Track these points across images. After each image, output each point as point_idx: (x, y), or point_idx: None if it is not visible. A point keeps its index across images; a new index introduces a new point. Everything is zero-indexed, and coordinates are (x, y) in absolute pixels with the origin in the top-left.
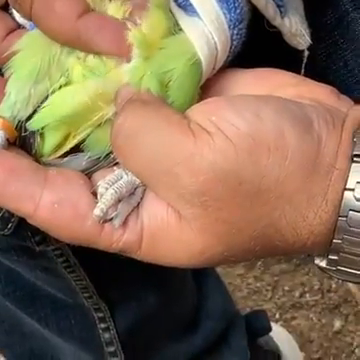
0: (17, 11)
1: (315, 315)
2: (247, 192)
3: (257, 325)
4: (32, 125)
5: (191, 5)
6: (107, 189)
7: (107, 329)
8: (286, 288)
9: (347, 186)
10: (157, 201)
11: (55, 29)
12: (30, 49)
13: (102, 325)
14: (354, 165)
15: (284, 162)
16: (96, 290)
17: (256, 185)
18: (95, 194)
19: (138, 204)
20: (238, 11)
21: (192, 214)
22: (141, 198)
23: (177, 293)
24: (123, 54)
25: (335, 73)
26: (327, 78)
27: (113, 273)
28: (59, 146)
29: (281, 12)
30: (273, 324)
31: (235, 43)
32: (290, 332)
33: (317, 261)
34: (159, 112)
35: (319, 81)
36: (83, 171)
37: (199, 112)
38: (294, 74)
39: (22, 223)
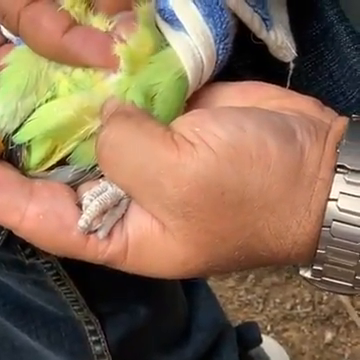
0: (4, 26)
1: (306, 327)
2: (230, 202)
3: (248, 337)
4: (18, 138)
5: (177, 20)
6: (92, 201)
7: (98, 342)
8: (277, 300)
9: (330, 196)
10: (141, 212)
11: (42, 44)
12: (17, 63)
13: (93, 338)
14: (337, 175)
15: (267, 172)
16: (87, 303)
17: (239, 195)
18: (80, 206)
19: (123, 216)
20: (224, 26)
21: (175, 225)
22: (126, 210)
23: (168, 305)
24: (110, 66)
25: (321, 84)
26: (313, 89)
27: (103, 286)
28: (45, 159)
29: (267, 25)
30: (264, 336)
31: (221, 58)
32: (281, 344)
33: (302, 272)
34: (143, 124)
35: (305, 93)
36: (69, 183)
37: (183, 124)
38: (278, 87)
39: (12, 236)
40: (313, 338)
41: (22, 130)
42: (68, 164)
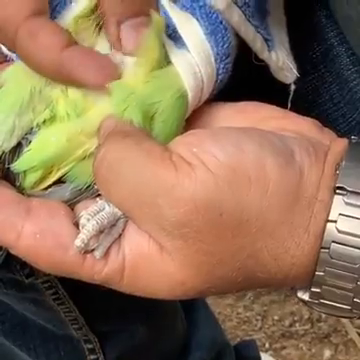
0: (1, 43)
1: (305, 345)
2: (228, 223)
3: (247, 355)
4: (16, 167)
5: (180, 37)
6: (89, 220)
7: None
8: (276, 317)
9: (329, 218)
10: (139, 232)
11: (38, 61)
12: (14, 81)
13: (92, 356)
14: (336, 197)
15: (265, 194)
16: (86, 322)
17: (237, 216)
18: (77, 225)
19: (120, 235)
20: (226, 45)
21: (173, 246)
22: (123, 229)
23: (167, 324)
24: (103, 89)
25: (321, 107)
26: (313, 112)
27: (102, 305)
28: (41, 180)
29: (268, 46)
30: (263, 354)
31: (220, 77)
32: None
33: (300, 294)
34: (141, 144)
35: (305, 115)
36: (66, 202)
37: (181, 144)
38: (277, 107)
39: (10, 256)
40: (311, 356)
41: (19, 160)
42: (65, 182)
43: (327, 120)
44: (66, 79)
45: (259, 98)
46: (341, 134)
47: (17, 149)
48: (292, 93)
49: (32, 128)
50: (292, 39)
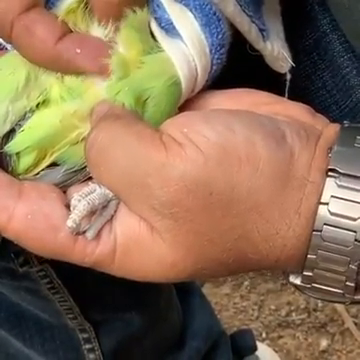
0: None
1: (301, 334)
2: (218, 202)
3: (243, 344)
4: (10, 148)
5: (174, 28)
6: (80, 201)
7: (92, 350)
8: (272, 307)
9: (322, 200)
10: (130, 214)
11: (36, 52)
12: (9, 67)
13: (87, 346)
14: (328, 179)
15: (255, 173)
16: (81, 311)
17: (227, 195)
18: (69, 207)
19: (111, 217)
20: (220, 36)
21: (163, 226)
22: (114, 211)
23: (162, 314)
24: (103, 72)
25: (314, 94)
26: (306, 99)
27: (97, 294)
28: (35, 164)
29: (263, 36)
30: (259, 343)
31: (215, 67)
32: (276, 351)
33: (292, 278)
34: (132, 126)
35: (299, 100)
36: (58, 184)
37: (171, 125)
38: (269, 93)
39: (5, 245)
40: (308, 345)
41: (13, 141)
42: (57, 165)
43: (320, 107)
44: (65, 68)
45: (253, 86)
46: (334, 121)
47: (10, 135)
48: (288, 83)
49: (25, 114)
50: (285, 27)
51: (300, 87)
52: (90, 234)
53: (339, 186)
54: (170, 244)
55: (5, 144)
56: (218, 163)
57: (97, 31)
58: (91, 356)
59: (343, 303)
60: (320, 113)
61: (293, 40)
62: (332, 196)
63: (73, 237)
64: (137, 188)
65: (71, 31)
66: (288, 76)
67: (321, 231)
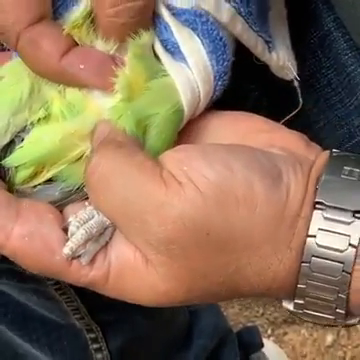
0: (2, 41)
1: (307, 330)
2: (214, 242)
3: (249, 341)
4: (8, 162)
5: (180, 52)
6: (78, 228)
7: (99, 349)
8: (277, 304)
9: (309, 233)
10: (125, 243)
11: (40, 66)
12: (13, 76)
13: (94, 346)
14: (316, 212)
15: (252, 214)
16: (88, 311)
17: (224, 235)
18: (65, 230)
19: (106, 243)
20: (225, 63)
21: (158, 259)
22: (110, 238)
23: (169, 313)
24: (107, 88)
25: (319, 92)
26: (311, 97)
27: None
28: (33, 177)
29: (269, 47)
30: (265, 340)
31: (217, 93)
32: (282, 347)
33: (284, 304)
34: (133, 157)
35: (303, 100)
36: (55, 202)
37: (171, 160)
38: (267, 120)
39: None
40: (314, 341)
41: (12, 155)
42: (54, 181)
43: (325, 105)
44: (68, 82)
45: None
46: (339, 119)
47: (9, 146)
48: (299, 90)
49: (26, 126)
50: (289, 25)
51: (305, 85)
52: (85, 259)
53: (325, 218)
54: (164, 276)
55: (4, 154)
56: (216, 204)
57: (101, 46)
58: (98, 356)
59: (335, 326)
60: (325, 111)
61: (297, 38)
62: (319, 229)
63: (68, 260)
64: (135, 222)
65: (76, 44)
66: (296, 83)
67: (310, 262)
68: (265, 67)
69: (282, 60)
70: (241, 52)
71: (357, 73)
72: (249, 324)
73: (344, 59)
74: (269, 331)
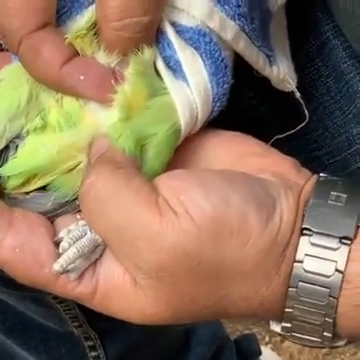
0: (5, 45)
1: None
2: (205, 271)
3: (247, 349)
4: (2, 172)
5: (182, 70)
6: (70, 245)
7: (98, 357)
8: None
9: (297, 258)
10: (115, 262)
11: (40, 73)
12: (12, 80)
13: (93, 353)
14: (303, 238)
15: (245, 246)
16: (86, 319)
17: (215, 266)
18: (56, 243)
19: (96, 260)
20: (225, 86)
21: (147, 284)
22: (100, 255)
23: None
24: (105, 101)
25: (318, 100)
26: (310, 105)
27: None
28: (24, 184)
29: (270, 61)
30: (263, 347)
31: (214, 114)
32: (280, 355)
33: (273, 326)
34: (130, 181)
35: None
36: (47, 213)
37: (168, 188)
38: (261, 143)
39: None
40: (311, 349)
41: (6, 165)
42: (47, 190)
43: (324, 113)
44: (67, 92)
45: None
46: (339, 127)
47: (3, 152)
48: (302, 102)
49: (21, 133)
50: (288, 34)
51: (304, 93)
52: (73, 275)
53: (312, 244)
54: (152, 299)
55: None
56: (210, 235)
57: (103, 59)
58: None
59: (324, 348)
60: (324, 119)
61: (296, 47)
62: (306, 254)
63: (56, 274)
64: (127, 246)
65: (78, 53)
66: (297, 94)
67: (297, 287)
68: (265, 78)
69: (282, 73)
70: (242, 62)
71: (356, 81)
72: (247, 331)
73: (343, 67)
74: (267, 338)
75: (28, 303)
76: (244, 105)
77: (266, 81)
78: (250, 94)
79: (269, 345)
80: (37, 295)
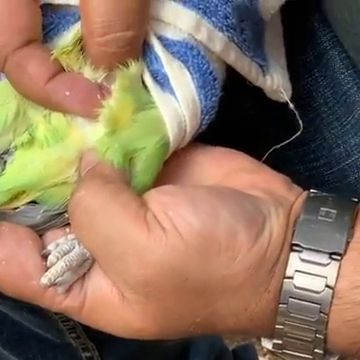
0: None
1: None
2: (192, 287)
3: (245, 359)
4: None
5: (169, 84)
6: (58, 259)
7: None
8: None
9: (286, 274)
10: (103, 276)
11: (26, 90)
12: (0, 97)
13: None
14: (292, 254)
15: (233, 262)
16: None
17: (202, 282)
18: (44, 256)
19: (84, 274)
20: (213, 98)
21: (134, 299)
22: (88, 269)
23: None
24: (91, 116)
25: (315, 111)
26: (307, 116)
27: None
28: (13, 200)
29: (263, 71)
30: (261, 358)
31: (203, 127)
32: None
33: (264, 343)
34: (119, 196)
35: (300, 119)
36: (36, 226)
37: (157, 203)
38: (251, 159)
39: None
40: None
41: None
42: (36, 203)
43: (322, 124)
44: (53, 108)
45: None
46: (337, 137)
47: None
48: (296, 112)
49: (9, 149)
50: (286, 44)
51: (301, 104)
52: (61, 289)
53: (302, 260)
54: (139, 314)
55: None
56: (197, 252)
57: (89, 74)
58: None
59: None
60: (322, 130)
61: (294, 57)
62: (296, 270)
63: (43, 287)
64: (114, 261)
65: (64, 70)
66: (291, 105)
67: (287, 304)
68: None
69: (276, 84)
70: (237, 73)
71: (354, 91)
72: (245, 342)
73: (341, 77)
74: (265, 349)
75: (25, 314)
76: (241, 116)
77: (263, 91)
78: (247, 104)
79: (267, 356)
80: (34, 306)
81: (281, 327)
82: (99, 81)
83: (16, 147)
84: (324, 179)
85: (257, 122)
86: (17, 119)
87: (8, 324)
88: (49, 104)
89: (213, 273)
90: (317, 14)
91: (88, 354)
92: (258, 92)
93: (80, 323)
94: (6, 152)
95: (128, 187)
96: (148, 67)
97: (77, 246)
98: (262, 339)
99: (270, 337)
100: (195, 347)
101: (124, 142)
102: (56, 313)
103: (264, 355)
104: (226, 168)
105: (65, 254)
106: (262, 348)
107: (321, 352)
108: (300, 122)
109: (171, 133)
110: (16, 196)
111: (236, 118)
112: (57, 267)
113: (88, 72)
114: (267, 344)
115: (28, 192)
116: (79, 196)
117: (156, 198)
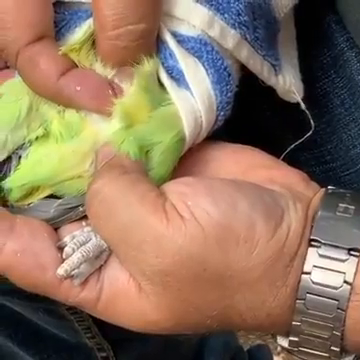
0: (5, 59)
1: None
2: (210, 278)
3: (260, 359)
4: (6, 184)
5: (185, 79)
6: (74, 250)
7: None
8: None
9: (304, 270)
10: (120, 268)
11: (38, 85)
12: (13, 94)
13: None
14: (311, 249)
15: (251, 254)
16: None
17: (220, 273)
18: (60, 248)
19: (100, 266)
20: (229, 94)
21: (152, 290)
22: (105, 261)
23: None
24: (103, 112)
25: (332, 112)
26: (324, 117)
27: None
28: (27, 195)
29: (275, 70)
30: (276, 358)
31: (219, 123)
32: None
33: (279, 341)
34: (137, 186)
35: (317, 120)
36: (50, 220)
37: (176, 193)
38: (269, 156)
39: None
40: None
41: (10, 178)
42: (51, 197)
43: (338, 125)
44: (65, 103)
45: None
46: (353, 139)
47: (6, 163)
48: (308, 112)
49: (23, 144)
50: (302, 45)
51: (318, 105)
52: (77, 281)
53: (321, 256)
54: (156, 306)
55: (0, 171)
56: (216, 242)
57: (100, 70)
58: None
59: None
60: (338, 131)
61: (310, 58)
62: (314, 266)
63: (61, 280)
64: (132, 251)
65: (76, 65)
66: (302, 106)
67: (305, 300)
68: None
69: (288, 84)
70: (251, 75)
71: None
72: (259, 342)
73: (357, 79)
74: (279, 348)
75: (41, 314)
76: (258, 116)
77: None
78: (263, 106)
79: (281, 355)
80: (50, 306)
81: (298, 324)
82: (109, 77)
83: (30, 142)
84: (340, 180)
85: (273, 123)
86: (30, 115)
87: (24, 324)
88: (61, 100)
89: (231, 264)
90: (333, 15)
91: (103, 354)
92: (273, 93)
93: (95, 323)
94: (21, 147)
95: (146, 177)
96: (163, 63)
97: (93, 237)
98: (278, 337)
99: (286, 334)
100: (210, 347)
101: (139, 135)
102: (72, 313)
103: (278, 354)
104: (244, 164)
105: (81, 245)
106: (276, 347)
107: (337, 350)
108: (312, 122)
109: (187, 128)
110: (30, 192)
111: (252, 119)
112: (74, 258)
113: (99, 68)
114: (283, 342)
115: (43, 187)
116: (96, 187)
117: (175, 188)
